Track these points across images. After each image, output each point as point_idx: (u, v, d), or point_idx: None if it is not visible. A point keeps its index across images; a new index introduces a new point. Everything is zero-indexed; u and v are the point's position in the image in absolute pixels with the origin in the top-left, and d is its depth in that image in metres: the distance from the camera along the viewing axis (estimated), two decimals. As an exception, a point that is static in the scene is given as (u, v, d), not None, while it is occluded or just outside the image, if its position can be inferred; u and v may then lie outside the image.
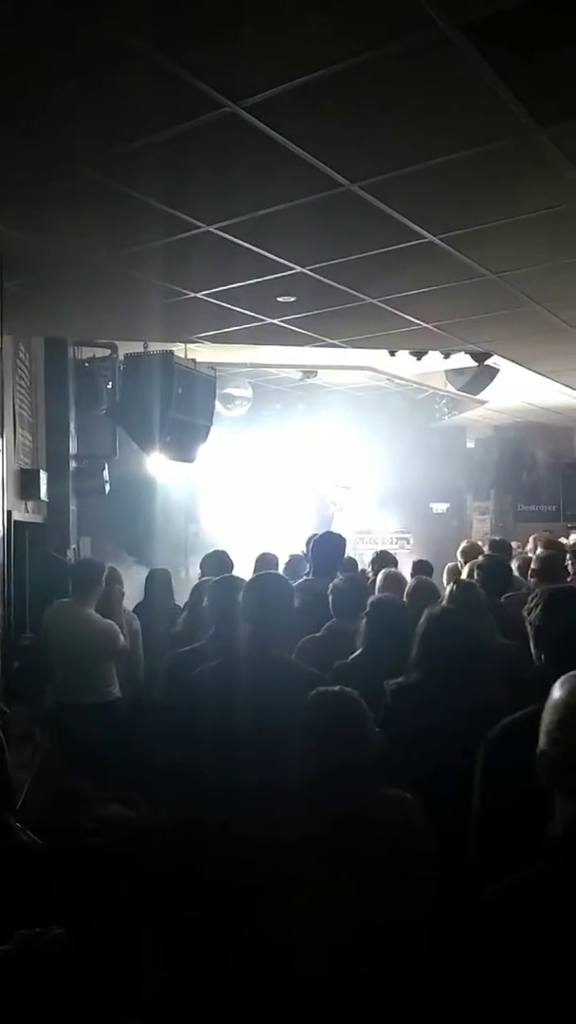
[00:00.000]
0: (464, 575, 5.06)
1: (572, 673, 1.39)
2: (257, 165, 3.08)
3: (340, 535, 4.67)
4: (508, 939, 1.22)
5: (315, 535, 5.32)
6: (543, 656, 2.21)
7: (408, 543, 10.92)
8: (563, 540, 7.86)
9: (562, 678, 1.38)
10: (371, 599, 3.52)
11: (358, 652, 3.28)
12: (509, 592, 4.38)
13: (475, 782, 2.12)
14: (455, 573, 5.50)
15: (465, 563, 5.39)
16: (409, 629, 3.26)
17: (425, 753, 2.39)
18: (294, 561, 5.72)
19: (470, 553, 5.96)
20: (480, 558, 5.05)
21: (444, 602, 3.69)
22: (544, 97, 2.61)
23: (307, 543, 5.41)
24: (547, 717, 1.35)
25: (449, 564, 6.10)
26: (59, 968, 1.24)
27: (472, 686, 2.60)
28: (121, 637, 4.61)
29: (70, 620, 4.57)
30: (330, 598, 3.77)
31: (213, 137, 2.83)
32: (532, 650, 2.27)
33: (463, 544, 6.65)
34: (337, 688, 2.12)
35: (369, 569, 5.94)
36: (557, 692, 1.36)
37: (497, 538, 7.24)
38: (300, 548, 5.78)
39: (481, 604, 3.69)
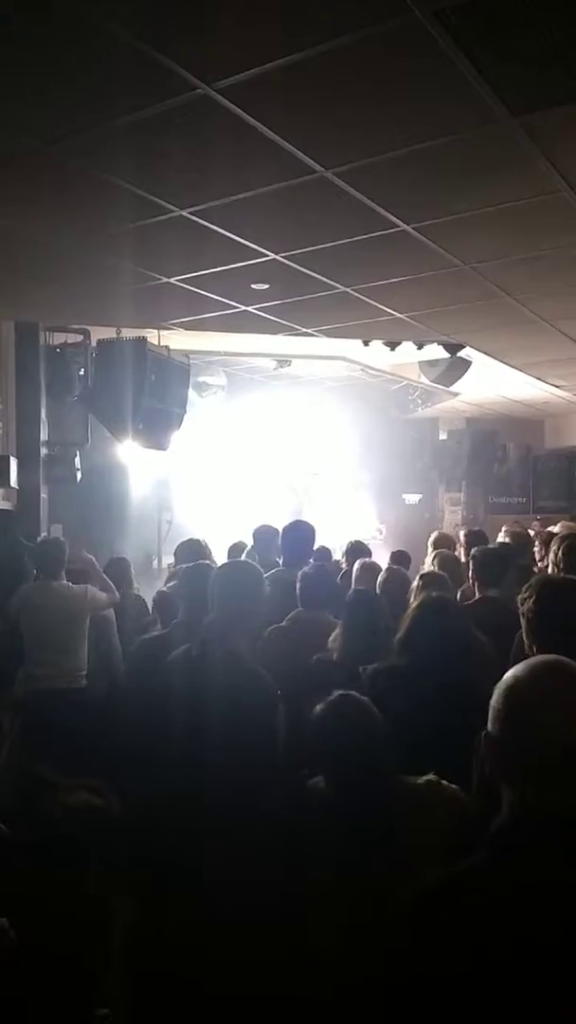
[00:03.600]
0: (427, 565, 5.08)
1: (535, 658, 1.38)
2: (230, 149, 3.06)
3: (309, 523, 4.64)
4: (446, 930, 1.20)
5: (263, 527, 5.25)
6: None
7: (381, 534, 10.95)
8: (531, 531, 7.92)
9: (521, 663, 1.34)
10: (349, 595, 3.47)
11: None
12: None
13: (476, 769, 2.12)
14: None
15: (435, 553, 5.39)
16: (385, 625, 3.27)
17: (413, 734, 2.38)
18: (234, 549, 5.66)
19: (441, 544, 5.97)
20: (474, 550, 5.03)
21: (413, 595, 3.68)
22: (517, 86, 2.62)
23: (253, 535, 5.34)
24: (495, 701, 1.31)
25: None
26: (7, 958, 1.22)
27: (458, 671, 2.59)
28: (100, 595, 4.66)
29: (45, 597, 4.56)
30: (298, 586, 3.69)
31: (186, 119, 2.80)
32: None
33: (434, 535, 6.67)
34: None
35: (343, 560, 5.94)
36: (509, 676, 1.32)
37: (475, 529, 7.25)
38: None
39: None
